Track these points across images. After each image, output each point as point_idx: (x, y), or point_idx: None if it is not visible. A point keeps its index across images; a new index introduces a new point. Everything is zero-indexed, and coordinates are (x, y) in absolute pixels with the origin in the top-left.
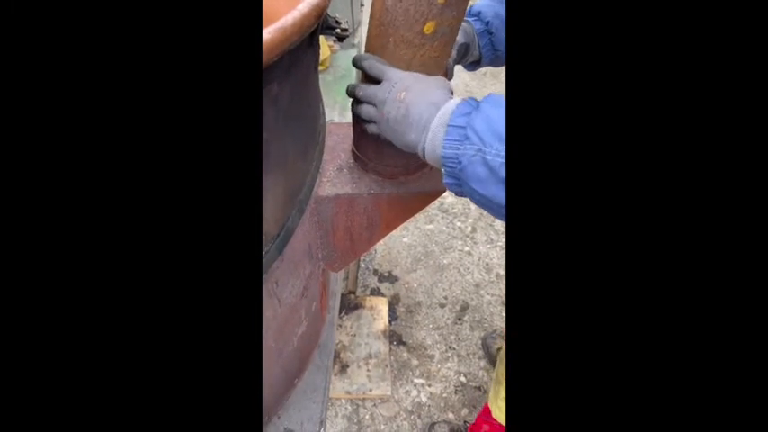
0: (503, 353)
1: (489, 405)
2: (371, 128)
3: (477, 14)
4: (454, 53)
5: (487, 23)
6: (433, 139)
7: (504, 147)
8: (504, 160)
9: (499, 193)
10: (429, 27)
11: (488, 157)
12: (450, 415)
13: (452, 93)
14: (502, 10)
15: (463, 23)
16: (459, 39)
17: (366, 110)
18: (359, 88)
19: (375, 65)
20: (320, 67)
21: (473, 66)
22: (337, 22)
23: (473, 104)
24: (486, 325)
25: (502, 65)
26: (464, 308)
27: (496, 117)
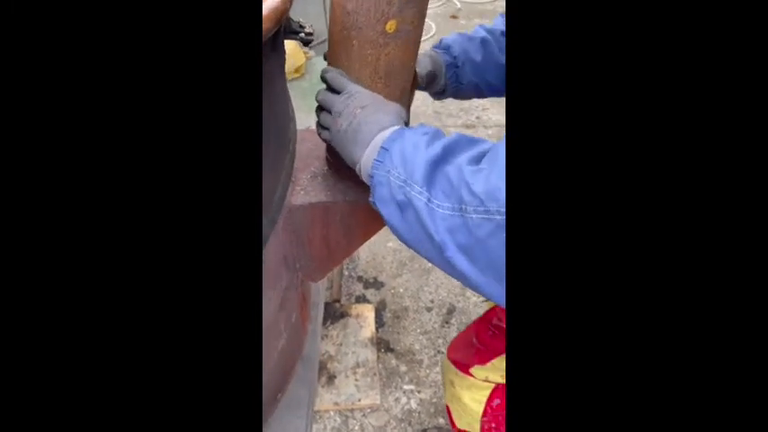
0: (446, 377)
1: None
2: (325, 134)
3: (447, 48)
4: (423, 74)
5: (455, 58)
6: (367, 158)
7: (405, 171)
8: (402, 183)
9: (394, 214)
10: (391, 26)
11: (391, 179)
12: (441, 420)
13: (406, 122)
14: (469, 46)
15: (433, 54)
16: (428, 67)
17: (323, 116)
18: (319, 93)
19: (337, 77)
20: (295, 74)
21: (438, 95)
22: (301, 26)
23: (405, 129)
24: None
25: (464, 98)
26: (451, 310)
27: (409, 143)
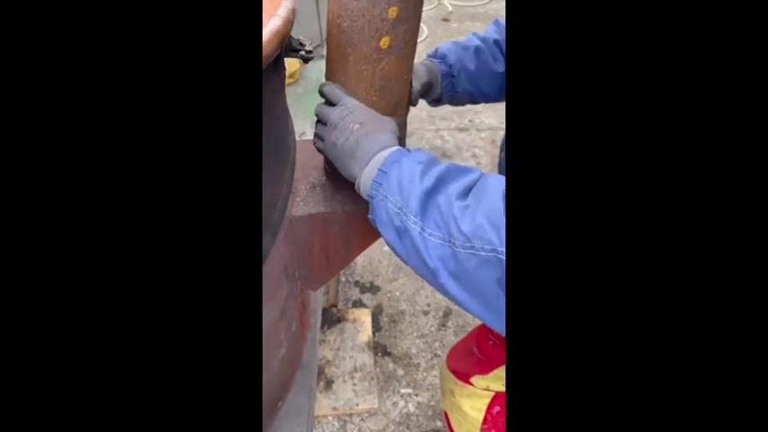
0: (445, 385)
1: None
2: (319, 144)
3: (443, 57)
4: (419, 86)
5: (450, 66)
6: (366, 178)
7: (402, 199)
8: (399, 211)
9: (393, 239)
10: (385, 42)
11: (389, 205)
12: (439, 423)
13: (400, 137)
14: (464, 55)
15: (428, 63)
16: (424, 77)
17: (319, 127)
18: (317, 105)
19: (334, 90)
20: (290, 80)
21: (435, 102)
22: (301, 44)
23: (402, 153)
24: (469, 329)
25: (460, 104)
26: (447, 314)
27: (406, 172)
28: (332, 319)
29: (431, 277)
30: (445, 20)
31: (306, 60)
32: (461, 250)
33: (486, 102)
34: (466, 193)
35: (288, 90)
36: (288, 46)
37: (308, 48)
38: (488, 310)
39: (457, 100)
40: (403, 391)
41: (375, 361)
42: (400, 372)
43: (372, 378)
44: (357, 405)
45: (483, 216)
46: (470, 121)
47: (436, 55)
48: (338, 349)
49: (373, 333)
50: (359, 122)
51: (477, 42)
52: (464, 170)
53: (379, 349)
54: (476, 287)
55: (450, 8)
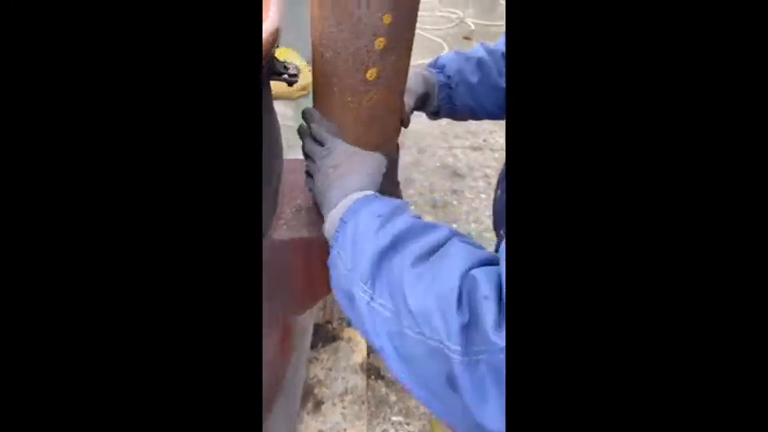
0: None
1: None
2: (309, 182)
3: (442, 67)
4: (412, 102)
5: (449, 77)
6: (329, 227)
7: (352, 260)
8: (347, 272)
9: (344, 304)
10: (372, 73)
11: (340, 263)
12: None
13: (384, 171)
14: (465, 66)
15: (426, 73)
16: (420, 89)
17: (310, 164)
18: (306, 142)
19: (320, 131)
20: (302, 92)
21: (433, 115)
22: (285, 67)
23: (364, 203)
24: None
25: (460, 119)
26: None
27: (362, 227)
28: (326, 336)
29: (380, 355)
30: (467, 38)
31: (290, 84)
32: (409, 332)
33: (490, 118)
34: (427, 256)
35: (300, 102)
36: (272, 68)
37: (291, 71)
38: (438, 404)
39: (456, 114)
40: (394, 418)
41: (367, 384)
42: (393, 397)
43: (363, 402)
44: (345, 430)
45: (434, 297)
46: (485, 140)
47: (435, 65)
48: (330, 369)
49: (368, 354)
50: (333, 165)
51: (483, 54)
52: (430, 227)
53: (372, 371)
54: (424, 378)
55: (472, 26)
